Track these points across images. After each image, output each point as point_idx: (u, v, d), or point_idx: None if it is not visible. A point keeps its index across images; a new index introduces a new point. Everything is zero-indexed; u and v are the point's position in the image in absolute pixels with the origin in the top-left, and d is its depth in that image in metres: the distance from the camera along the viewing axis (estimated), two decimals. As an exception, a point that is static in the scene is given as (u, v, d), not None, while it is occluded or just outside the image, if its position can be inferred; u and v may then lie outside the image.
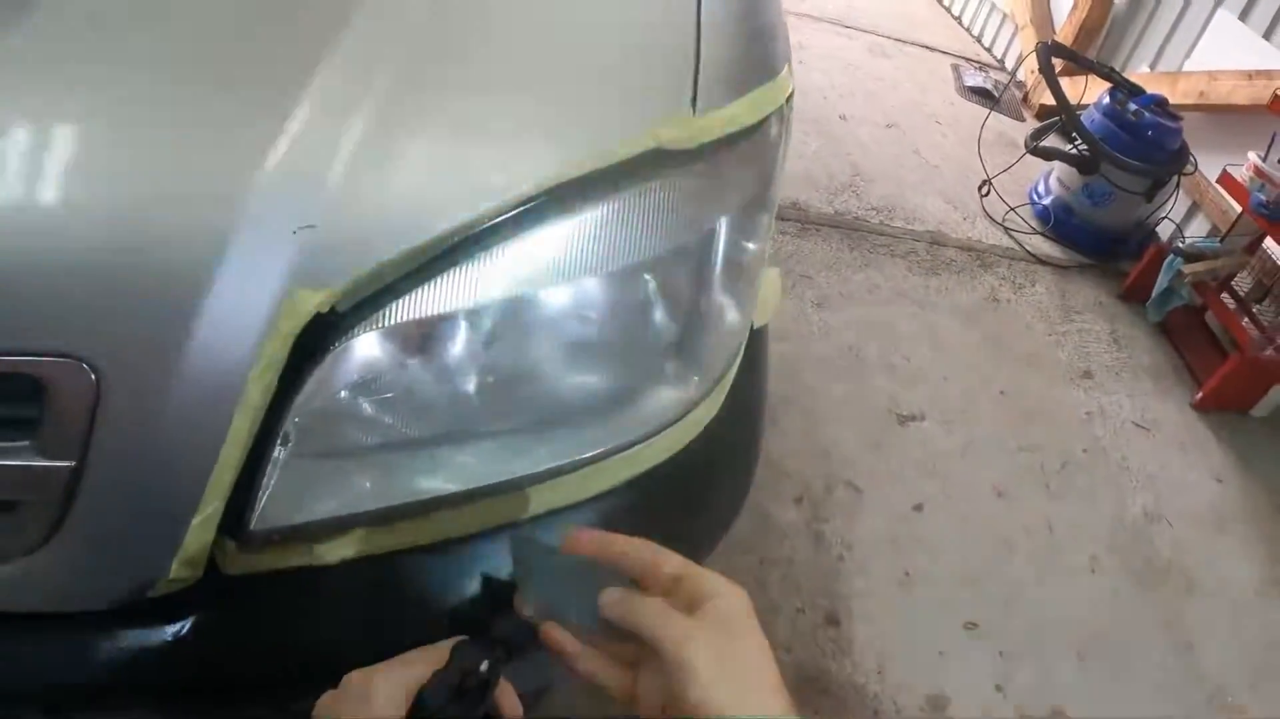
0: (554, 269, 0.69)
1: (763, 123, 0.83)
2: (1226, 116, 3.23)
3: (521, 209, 0.66)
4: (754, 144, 0.83)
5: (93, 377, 0.58)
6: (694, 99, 0.75)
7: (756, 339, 1.03)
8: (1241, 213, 2.89)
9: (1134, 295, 3.09)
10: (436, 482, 0.73)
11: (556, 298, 0.72)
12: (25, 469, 0.60)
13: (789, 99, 0.93)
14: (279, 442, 0.65)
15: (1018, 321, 2.83)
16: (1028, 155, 3.25)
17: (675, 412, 0.85)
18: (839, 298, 2.63)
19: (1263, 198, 2.71)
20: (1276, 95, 2.73)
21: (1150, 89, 3.27)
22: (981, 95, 4.14)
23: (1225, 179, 2.87)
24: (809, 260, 2.75)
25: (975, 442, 2.33)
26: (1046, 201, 3.34)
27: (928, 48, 4.62)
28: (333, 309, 0.62)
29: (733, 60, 0.84)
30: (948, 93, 4.20)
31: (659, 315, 0.81)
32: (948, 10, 5.29)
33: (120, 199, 0.58)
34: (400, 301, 0.63)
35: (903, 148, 3.57)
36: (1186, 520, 2.35)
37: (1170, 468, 2.50)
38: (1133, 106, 3.13)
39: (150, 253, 0.58)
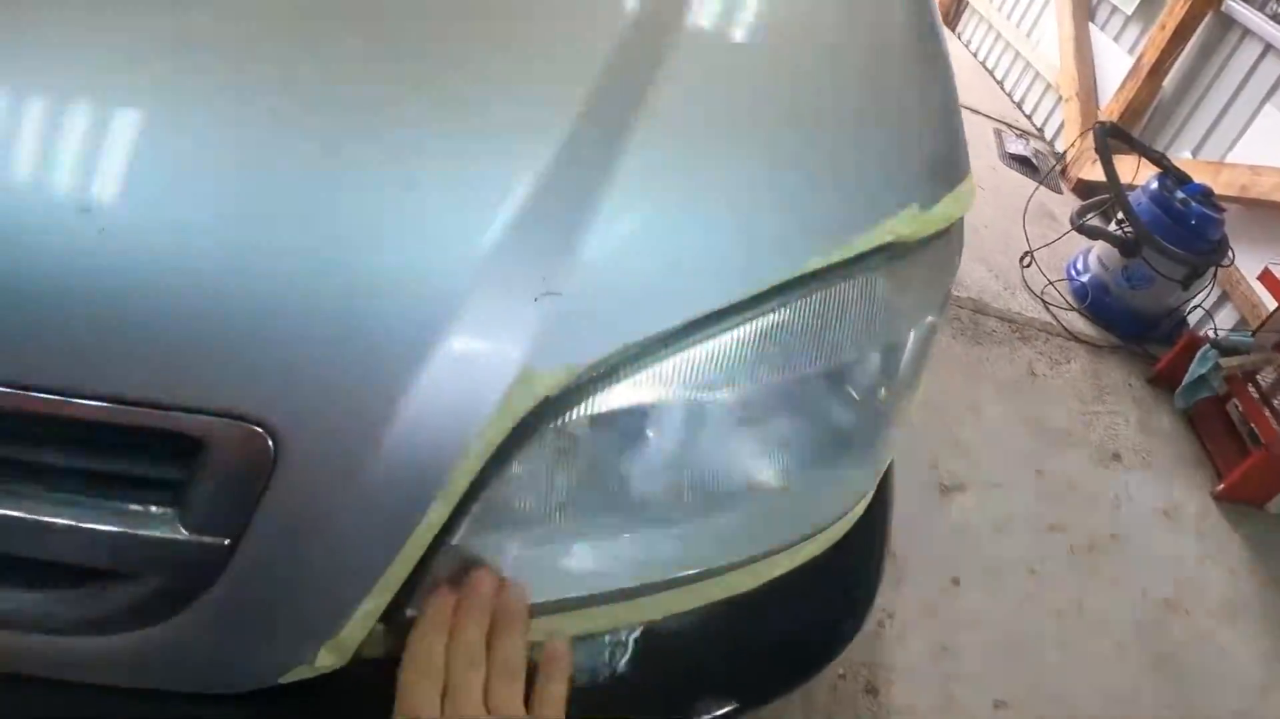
0: (773, 362, 0.65)
1: (959, 220, 0.84)
2: (1266, 212, 3.29)
3: (757, 298, 0.62)
4: (952, 241, 0.84)
5: (270, 445, 0.50)
6: (924, 193, 0.74)
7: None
8: (1276, 309, 2.95)
9: (1163, 380, 3.15)
10: (606, 573, 0.69)
11: (759, 390, 0.68)
12: (165, 542, 0.52)
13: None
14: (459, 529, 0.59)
15: (1053, 398, 2.88)
16: (1071, 231, 3.31)
17: (847, 505, 0.86)
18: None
19: (1303, 298, 2.77)
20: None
21: (1194, 177, 3.33)
22: (1022, 163, 4.20)
23: (1266, 277, 2.93)
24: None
25: (1011, 517, 2.37)
26: (1084, 279, 3.39)
27: (970, 109, 4.68)
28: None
29: (943, 155, 0.85)
30: (990, 158, 4.25)
31: (844, 412, 0.80)
32: (990, 73, 5.35)
33: (336, 244, 0.50)
34: (620, 386, 0.58)
35: (947, 210, 3.62)
36: (1203, 610, 2.39)
37: (1189, 556, 2.55)
38: (1180, 194, 3.17)
39: (364, 313, 0.50)
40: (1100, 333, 3.30)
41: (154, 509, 0.51)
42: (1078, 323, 3.30)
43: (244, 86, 0.54)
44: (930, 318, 0.85)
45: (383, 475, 0.53)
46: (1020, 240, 3.47)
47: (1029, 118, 4.94)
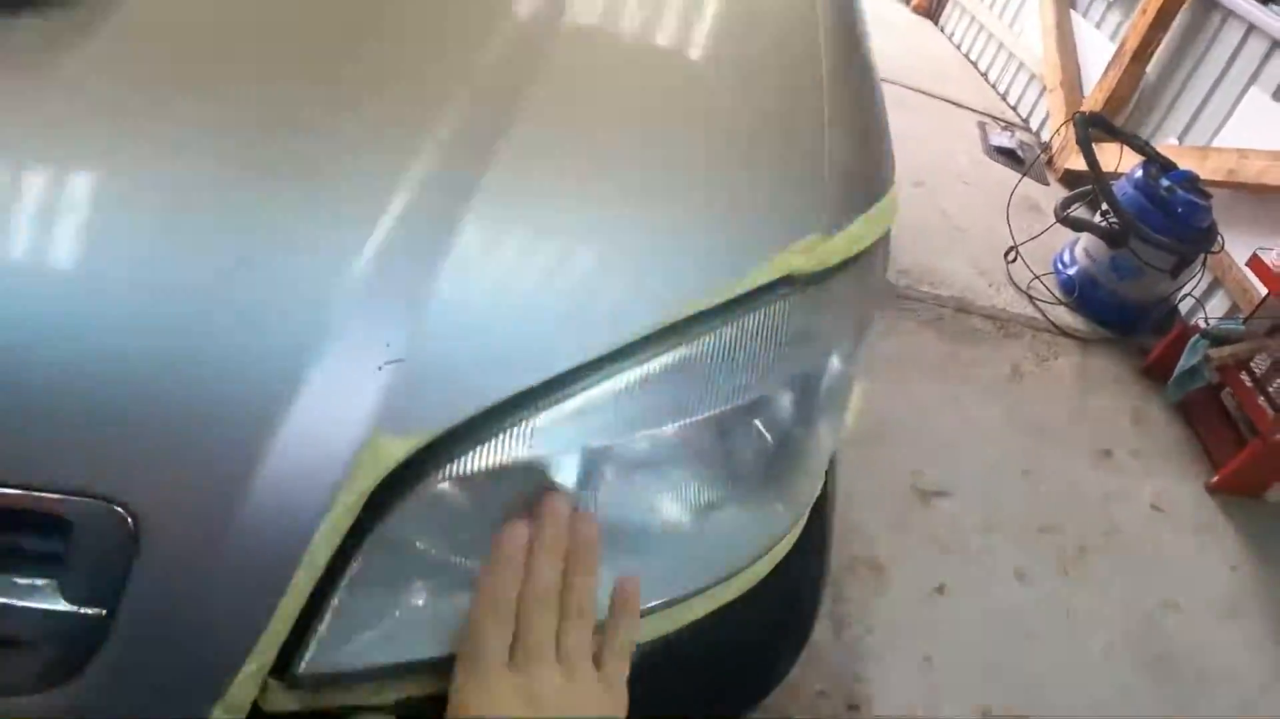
0: (662, 411, 0.63)
1: (879, 241, 0.80)
2: (1257, 197, 3.24)
3: (634, 346, 0.60)
4: (868, 264, 0.79)
5: (130, 522, 0.51)
6: (827, 219, 0.71)
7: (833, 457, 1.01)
8: (1267, 296, 2.90)
9: (1154, 373, 3.10)
10: None
11: (655, 437, 0.66)
12: (50, 612, 0.54)
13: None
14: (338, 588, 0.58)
15: (1040, 396, 2.83)
16: (1056, 224, 3.26)
17: (763, 545, 0.82)
18: (866, 367, 2.62)
19: (1292, 283, 2.72)
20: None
21: (1178, 163, 3.27)
22: (1007, 156, 4.16)
23: (1255, 263, 2.88)
24: (837, 324, 2.75)
25: (997, 521, 2.32)
26: (1071, 272, 3.35)
27: (954, 103, 4.64)
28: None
29: (856, 174, 0.81)
30: (974, 152, 4.21)
31: (762, 447, 0.77)
32: (974, 65, 5.31)
33: (179, 321, 0.51)
34: (491, 444, 0.57)
35: (930, 208, 3.58)
36: (1199, 608, 2.34)
37: (1185, 553, 2.50)
38: (1165, 182, 3.13)
39: (210, 391, 0.51)
40: (1089, 326, 3.25)
41: (38, 582, 0.54)
42: (1066, 317, 3.26)
43: (76, 162, 0.54)
44: (847, 343, 0.82)
45: (244, 545, 0.54)
46: (1005, 235, 3.43)
47: (1014, 109, 4.89)
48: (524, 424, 0.57)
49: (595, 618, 0.60)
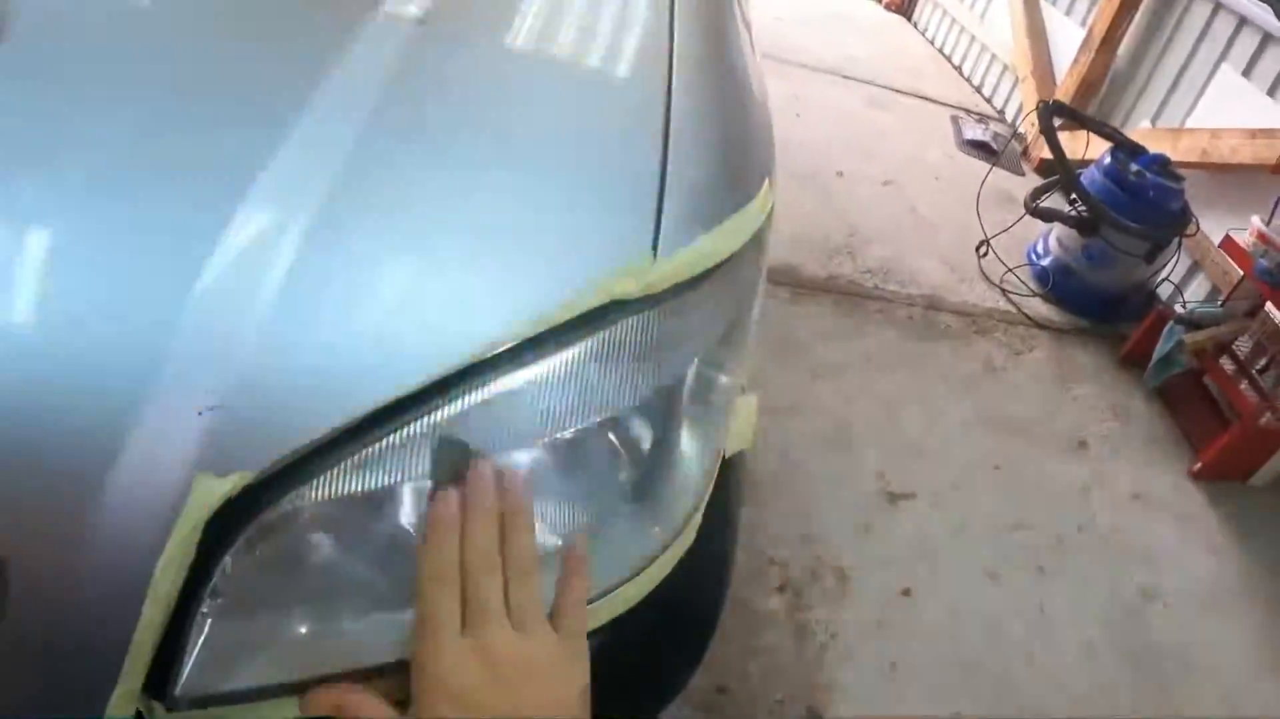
0: (498, 436, 0.63)
1: (738, 254, 0.77)
2: (1229, 176, 3.20)
3: (453, 378, 0.60)
4: (727, 277, 0.77)
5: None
6: (655, 241, 0.69)
7: (730, 469, 0.99)
8: (1243, 277, 2.85)
9: (1133, 361, 3.05)
10: (373, 647, 0.67)
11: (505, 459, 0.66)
12: None
13: (769, 215, 0.89)
14: (202, 610, 0.61)
15: (1013, 391, 2.79)
16: (1026, 215, 3.23)
17: (634, 565, 0.80)
18: (831, 368, 2.60)
19: (1266, 264, 2.68)
20: (1282, 156, 2.69)
21: (1151, 145, 3.24)
22: (981, 149, 4.12)
23: (1227, 244, 2.84)
24: (801, 328, 2.72)
25: (968, 520, 2.28)
26: (1045, 262, 3.31)
27: (927, 99, 4.61)
28: (249, 486, 0.57)
29: (705, 186, 0.78)
30: (947, 146, 4.18)
31: (618, 465, 0.77)
32: (948, 59, 5.28)
33: (7, 371, 0.54)
34: (328, 474, 0.58)
35: (900, 206, 3.55)
36: (1184, 598, 2.30)
37: (1167, 542, 2.45)
38: (1134, 167, 3.09)
39: (47, 427, 0.54)
40: (1066, 317, 3.21)
41: None
42: (1041, 309, 3.22)
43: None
44: (712, 355, 0.80)
45: (98, 578, 0.57)
46: (978, 230, 3.39)
47: (989, 102, 4.86)
48: (352, 457, 0.59)
49: (539, 575, 0.61)
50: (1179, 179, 3.10)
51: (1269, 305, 2.82)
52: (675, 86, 0.84)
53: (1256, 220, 2.76)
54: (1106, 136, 3.26)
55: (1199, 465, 2.70)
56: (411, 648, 0.58)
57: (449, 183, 0.67)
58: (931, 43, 5.48)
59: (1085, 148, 3.36)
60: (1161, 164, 3.12)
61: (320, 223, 0.61)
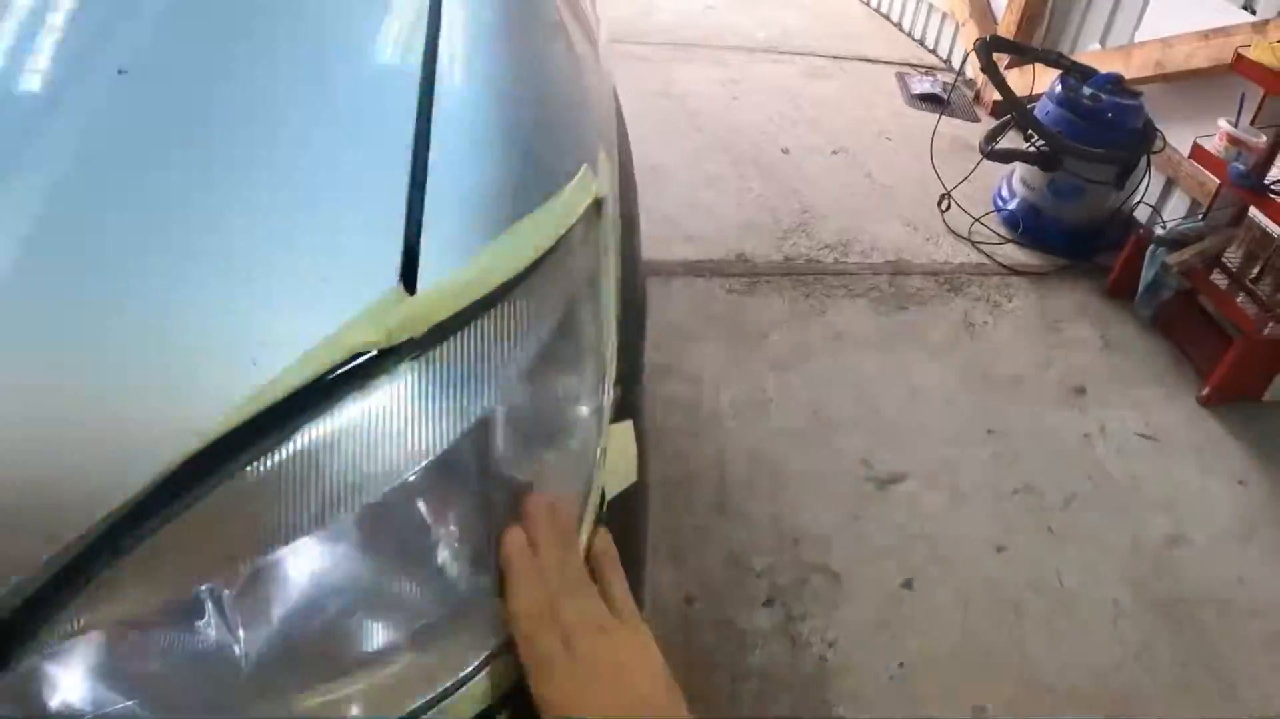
0: (249, 540, 0.53)
1: (542, 263, 0.64)
2: (1189, 83, 3.04)
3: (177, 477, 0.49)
4: (533, 294, 0.64)
5: None
6: (411, 270, 0.56)
7: (624, 510, 0.84)
8: (1220, 186, 2.68)
9: (1120, 291, 2.88)
10: None
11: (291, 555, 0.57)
12: None
13: (596, 204, 0.75)
14: None
15: (998, 346, 2.62)
16: (985, 161, 3.07)
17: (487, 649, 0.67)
18: (797, 355, 2.44)
19: (1241, 167, 2.51)
20: (1239, 53, 2.52)
21: (1104, 68, 3.08)
22: (931, 102, 3.97)
23: (1198, 153, 2.67)
24: (760, 318, 2.56)
25: (966, 494, 2.12)
26: (1012, 206, 3.15)
27: (869, 60, 4.46)
28: None
29: (489, 189, 0.64)
30: (895, 105, 4.02)
31: (434, 536, 0.64)
32: (886, 17, 5.13)
33: None
34: (77, 602, 0.49)
35: (853, 174, 3.39)
36: (1212, 537, 2.12)
37: (1186, 479, 2.28)
38: (1087, 91, 2.94)
39: None
40: (1043, 258, 3.04)
41: None
42: (1016, 254, 3.05)
43: None
44: (519, 390, 0.66)
45: None
46: (937, 184, 3.23)
47: (934, 53, 4.70)
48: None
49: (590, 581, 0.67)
50: (1136, 95, 2.95)
51: (1252, 210, 2.66)
52: (442, 83, 0.70)
53: (1224, 123, 2.60)
54: (1052, 64, 3.10)
55: (1207, 390, 2.53)
56: (535, 690, 0.60)
57: (188, 240, 0.55)
58: (868, 4, 5.33)
59: (1033, 82, 3.20)
60: (1115, 83, 2.96)
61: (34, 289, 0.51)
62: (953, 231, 3.10)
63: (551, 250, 0.65)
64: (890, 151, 3.58)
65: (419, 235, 0.58)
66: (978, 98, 4.09)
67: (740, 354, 2.41)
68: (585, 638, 0.61)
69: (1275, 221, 2.49)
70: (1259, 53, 2.46)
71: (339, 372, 0.52)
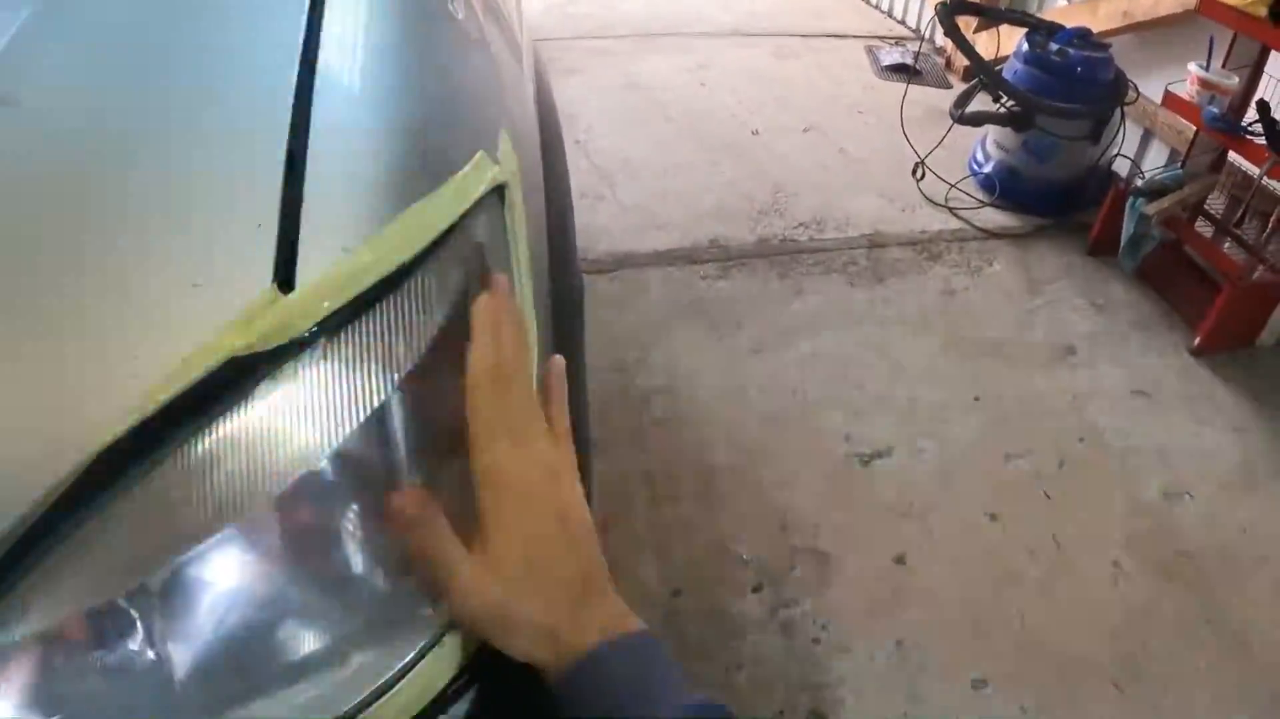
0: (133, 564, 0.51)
1: (434, 251, 0.61)
2: (1157, 33, 2.99)
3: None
4: (425, 285, 0.60)
5: None
6: (287, 268, 0.53)
7: None
8: (1197, 132, 2.63)
9: (1103, 248, 2.83)
10: None
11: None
12: None
13: (498, 191, 0.71)
14: None
15: (980, 311, 2.57)
16: (957, 126, 3.02)
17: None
18: (776, 337, 2.39)
19: (1215, 110, 2.46)
20: (1203, -5, 2.47)
21: (1071, 22, 3.04)
22: (902, 72, 3.91)
23: (1170, 100, 2.62)
24: (736, 302, 2.51)
25: (955, 464, 2.07)
26: (988, 169, 3.09)
27: (837, 36, 4.41)
28: None
29: (375, 180, 0.61)
30: (865, 78, 3.97)
31: (343, 534, 0.61)
32: (852, -8, 5.08)
33: None
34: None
35: (825, 150, 3.34)
36: (1211, 488, 2.07)
37: (1181, 432, 2.22)
38: (1054, 46, 2.89)
39: None
40: (1022, 219, 2.99)
41: None
42: (995, 217, 3.00)
43: None
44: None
45: None
46: (910, 154, 3.18)
47: (902, 23, 4.65)
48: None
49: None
50: (1104, 47, 2.90)
51: (1231, 154, 2.61)
52: (324, 75, 0.66)
53: (1194, 67, 2.54)
54: (1017, 22, 3.05)
55: (1198, 341, 2.47)
56: (471, 459, 0.58)
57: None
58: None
59: (1000, 43, 3.15)
60: (1082, 36, 2.92)
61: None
62: (929, 200, 3.05)
63: (444, 237, 0.62)
64: (862, 125, 3.53)
65: (297, 232, 0.54)
66: (949, 64, 4.04)
67: (717, 340, 2.36)
68: (530, 425, 0.62)
69: (1254, 163, 2.44)
70: (1224, -7, 2.41)
71: (216, 380, 0.49)
